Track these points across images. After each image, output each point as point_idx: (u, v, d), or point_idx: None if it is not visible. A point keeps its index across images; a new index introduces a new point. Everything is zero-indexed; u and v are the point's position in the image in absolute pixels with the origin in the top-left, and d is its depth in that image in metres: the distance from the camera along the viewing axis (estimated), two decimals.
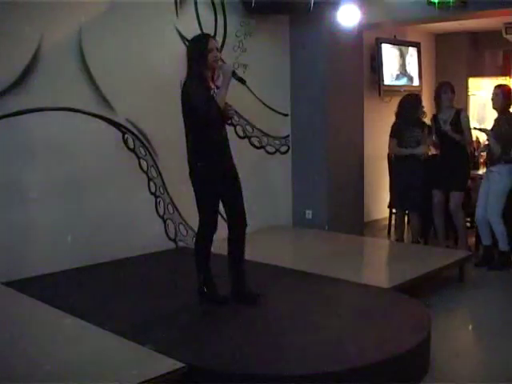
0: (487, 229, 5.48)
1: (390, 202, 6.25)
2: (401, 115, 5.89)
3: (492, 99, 5.42)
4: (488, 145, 5.51)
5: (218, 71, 3.78)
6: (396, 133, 5.87)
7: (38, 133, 4.54)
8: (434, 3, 5.35)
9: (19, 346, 3.19)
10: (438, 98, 5.74)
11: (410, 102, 5.89)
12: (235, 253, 3.96)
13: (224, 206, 3.95)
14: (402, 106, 5.89)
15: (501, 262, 5.42)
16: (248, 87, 5.77)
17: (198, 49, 3.71)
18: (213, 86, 3.75)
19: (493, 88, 5.49)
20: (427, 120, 6.02)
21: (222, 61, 3.88)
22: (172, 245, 5.47)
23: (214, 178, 3.79)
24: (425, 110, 5.95)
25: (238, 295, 3.91)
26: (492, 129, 5.40)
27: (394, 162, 6.14)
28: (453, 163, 5.64)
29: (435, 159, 6.02)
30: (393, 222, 6.59)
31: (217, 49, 3.77)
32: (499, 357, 3.61)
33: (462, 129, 5.61)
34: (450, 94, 5.67)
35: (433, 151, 6.29)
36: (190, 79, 3.71)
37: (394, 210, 6.50)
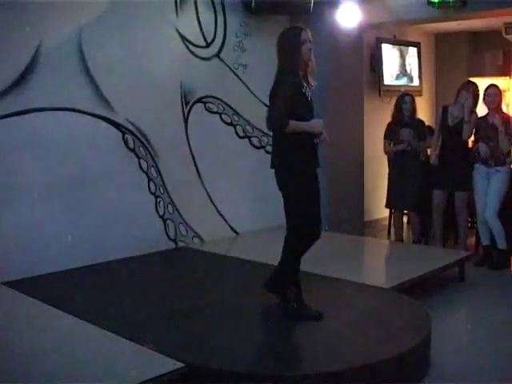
0: (488, 228, 5.48)
1: (386, 202, 6.22)
2: (392, 116, 6.05)
3: (489, 101, 5.40)
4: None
5: (311, 65, 3.55)
6: (388, 134, 6.02)
7: (38, 133, 4.54)
8: (434, 3, 5.36)
9: (19, 346, 3.19)
10: (458, 94, 5.69)
11: (395, 102, 6.02)
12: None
13: None
14: (394, 107, 6.01)
15: (500, 260, 5.42)
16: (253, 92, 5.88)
17: (291, 41, 3.50)
18: (304, 83, 3.56)
19: (486, 88, 5.49)
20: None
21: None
22: (172, 245, 5.47)
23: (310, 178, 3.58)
24: (408, 108, 5.93)
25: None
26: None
27: (391, 161, 6.13)
28: (455, 162, 5.62)
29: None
30: (392, 222, 6.59)
31: (310, 41, 3.53)
32: (499, 357, 3.61)
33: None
34: (470, 93, 5.56)
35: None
36: (282, 75, 3.49)
37: (393, 210, 6.51)
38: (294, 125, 3.43)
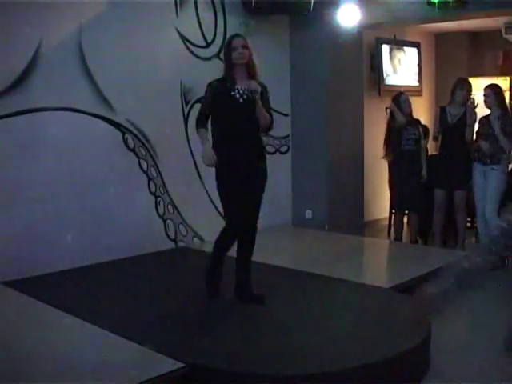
0: (486, 227, 5.49)
1: (390, 204, 6.23)
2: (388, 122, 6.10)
3: (484, 101, 5.46)
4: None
5: (252, 68, 3.80)
6: (393, 135, 5.97)
7: (38, 133, 4.54)
8: (434, 3, 5.35)
9: (19, 346, 3.19)
10: (452, 93, 5.74)
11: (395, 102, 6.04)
12: (242, 253, 3.98)
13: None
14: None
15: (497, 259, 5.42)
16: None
17: (224, 49, 3.92)
18: (239, 86, 3.74)
19: (483, 90, 5.53)
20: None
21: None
22: (172, 245, 5.47)
23: (225, 174, 3.79)
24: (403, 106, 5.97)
25: (243, 295, 3.93)
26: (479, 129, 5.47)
27: (394, 162, 6.12)
28: (455, 161, 5.64)
29: (436, 157, 6.02)
30: (392, 221, 6.59)
31: (243, 46, 3.75)
32: (499, 357, 3.61)
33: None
34: (466, 92, 5.66)
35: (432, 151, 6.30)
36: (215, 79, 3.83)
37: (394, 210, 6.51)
38: (201, 134, 3.76)
